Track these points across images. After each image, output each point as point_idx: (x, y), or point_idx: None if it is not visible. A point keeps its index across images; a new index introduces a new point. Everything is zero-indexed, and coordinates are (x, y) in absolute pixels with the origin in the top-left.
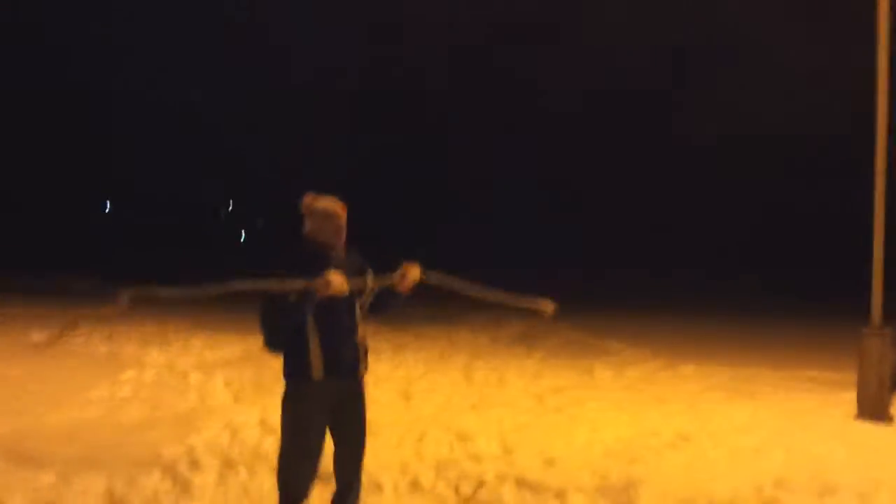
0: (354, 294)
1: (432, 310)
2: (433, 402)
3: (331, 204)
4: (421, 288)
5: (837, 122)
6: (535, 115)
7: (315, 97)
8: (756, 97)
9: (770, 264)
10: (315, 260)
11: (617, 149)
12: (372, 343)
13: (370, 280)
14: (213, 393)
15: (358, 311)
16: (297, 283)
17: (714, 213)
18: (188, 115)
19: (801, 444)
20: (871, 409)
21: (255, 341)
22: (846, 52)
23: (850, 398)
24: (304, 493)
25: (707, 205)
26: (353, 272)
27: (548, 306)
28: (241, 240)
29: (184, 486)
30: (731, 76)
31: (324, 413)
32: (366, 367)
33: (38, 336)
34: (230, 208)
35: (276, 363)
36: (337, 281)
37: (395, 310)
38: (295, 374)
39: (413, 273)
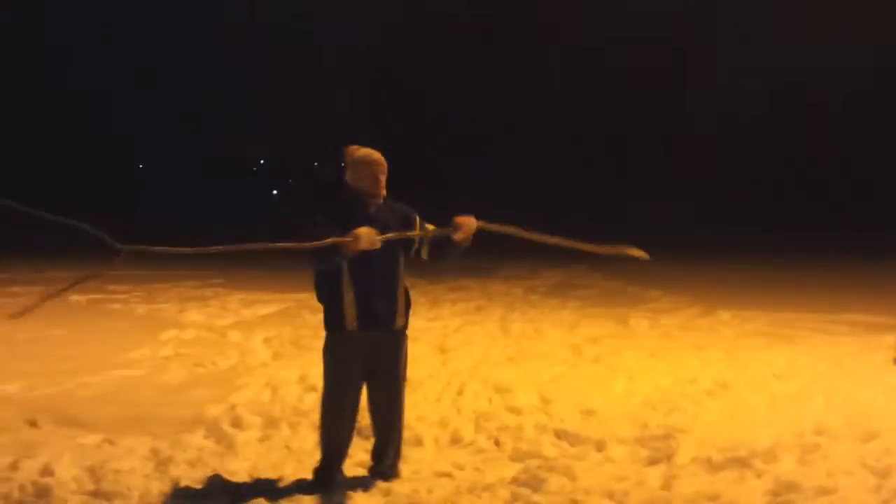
0: (397, 245)
1: (467, 260)
2: (470, 355)
3: (369, 152)
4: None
5: None
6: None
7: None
8: None
9: (805, 206)
10: (355, 208)
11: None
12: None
13: (420, 230)
14: (252, 351)
15: (401, 262)
16: (324, 240)
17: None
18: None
19: (841, 390)
20: None
21: (293, 298)
22: None
23: (890, 342)
24: (344, 445)
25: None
26: (395, 221)
27: (639, 252)
28: (274, 195)
29: (228, 445)
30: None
31: (361, 365)
32: (405, 320)
33: (77, 296)
34: (261, 163)
35: (313, 320)
36: (366, 236)
37: (455, 258)
38: (332, 325)
39: (469, 225)
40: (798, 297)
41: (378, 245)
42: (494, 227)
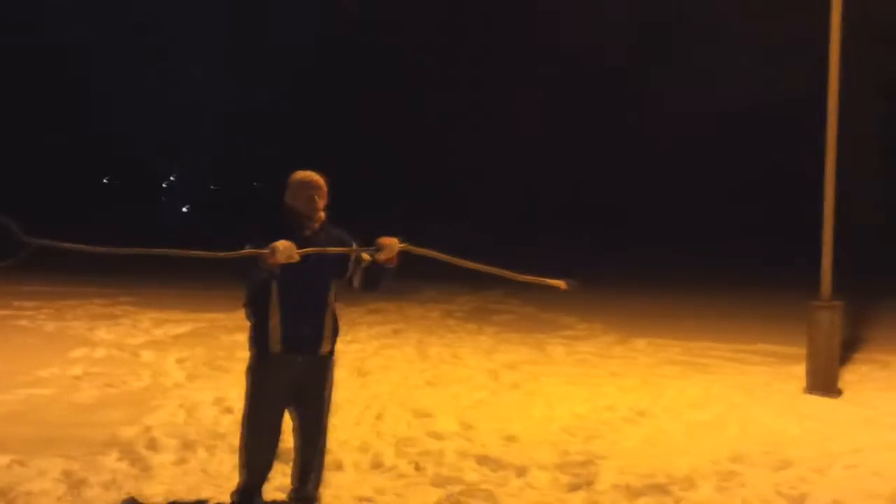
0: (328, 271)
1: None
2: (389, 379)
3: (308, 174)
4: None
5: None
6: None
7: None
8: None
9: (723, 239)
10: (293, 230)
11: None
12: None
13: (354, 253)
14: (165, 372)
15: (331, 287)
16: (240, 252)
17: (669, 189)
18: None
19: (755, 419)
20: (820, 383)
21: (206, 318)
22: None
23: (800, 372)
24: (265, 468)
25: (663, 181)
26: (330, 245)
27: (559, 283)
28: (184, 210)
29: (143, 467)
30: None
31: (284, 389)
32: (331, 346)
33: None
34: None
35: (227, 341)
36: (283, 249)
37: (385, 282)
38: (256, 345)
39: (391, 246)
40: (710, 326)
41: (296, 258)
42: (419, 249)
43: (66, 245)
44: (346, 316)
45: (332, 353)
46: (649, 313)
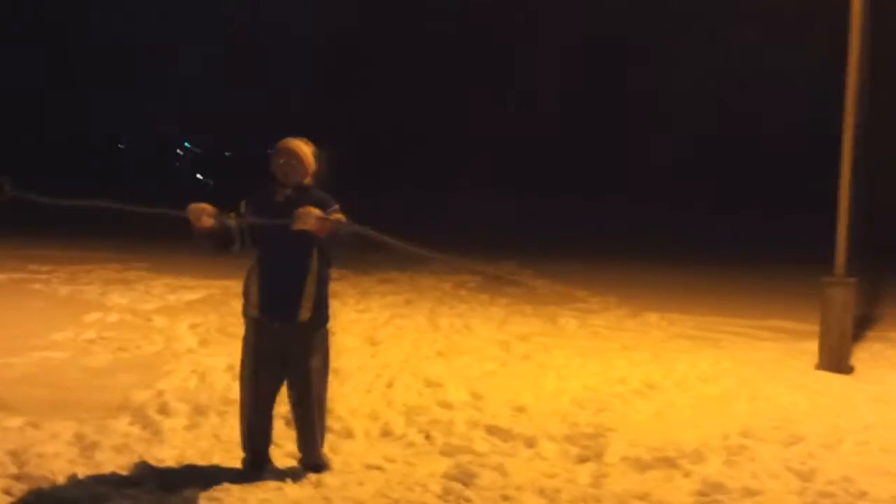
0: (306, 238)
1: (397, 255)
2: (400, 348)
3: (285, 142)
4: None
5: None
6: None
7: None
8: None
9: (736, 212)
10: (265, 195)
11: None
12: (338, 288)
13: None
14: (178, 337)
15: (313, 254)
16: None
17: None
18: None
19: (765, 394)
20: (832, 360)
21: (218, 285)
22: None
23: (812, 348)
24: (264, 434)
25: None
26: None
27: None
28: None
29: (154, 431)
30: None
31: (267, 354)
32: (312, 314)
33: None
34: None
35: (239, 307)
36: (193, 210)
37: (337, 251)
38: (244, 311)
39: (306, 217)
40: (723, 301)
41: (207, 223)
42: (345, 225)
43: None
44: (359, 285)
45: (315, 321)
46: (663, 287)
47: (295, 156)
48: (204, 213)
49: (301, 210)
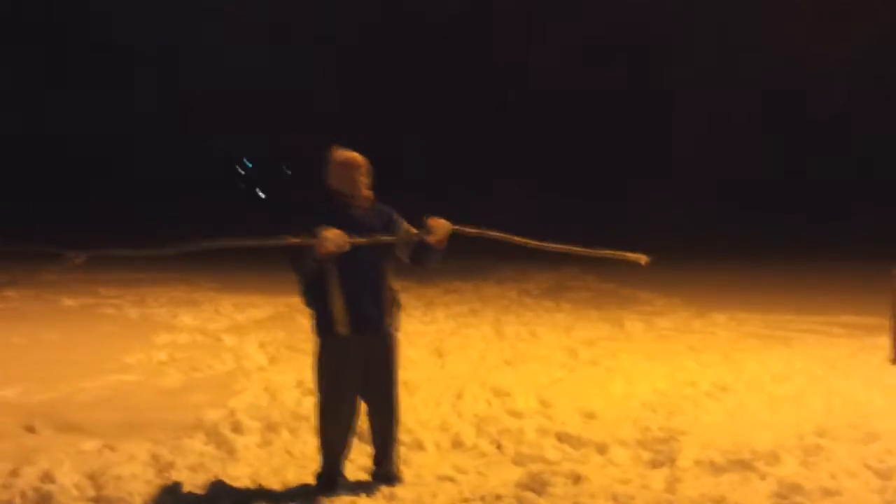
0: (383, 248)
1: (459, 263)
2: (467, 358)
3: (349, 154)
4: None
5: None
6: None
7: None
8: None
9: (802, 208)
10: (339, 210)
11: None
12: (402, 300)
13: (400, 232)
14: (248, 355)
15: (383, 264)
16: (290, 241)
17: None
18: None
19: (840, 391)
20: None
21: (285, 302)
22: None
23: (885, 343)
24: (344, 450)
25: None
26: (379, 223)
27: (638, 257)
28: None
29: (229, 450)
30: None
31: (354, 370)
32: (392, 321)
33: (69, 301)
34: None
35: (307, 324)
36: (332, 238)
37: (434, 262)
38: (322, 330)
39: (441, 227)
40: (790, 298)
41: (346, 247)
42: (471, 230)
43: (115, 252)
44: (423, 296)
45: (394, 327)
46: (729, 286)
47: (363, 168)
48: (341, 239)
49: (434, 221)
